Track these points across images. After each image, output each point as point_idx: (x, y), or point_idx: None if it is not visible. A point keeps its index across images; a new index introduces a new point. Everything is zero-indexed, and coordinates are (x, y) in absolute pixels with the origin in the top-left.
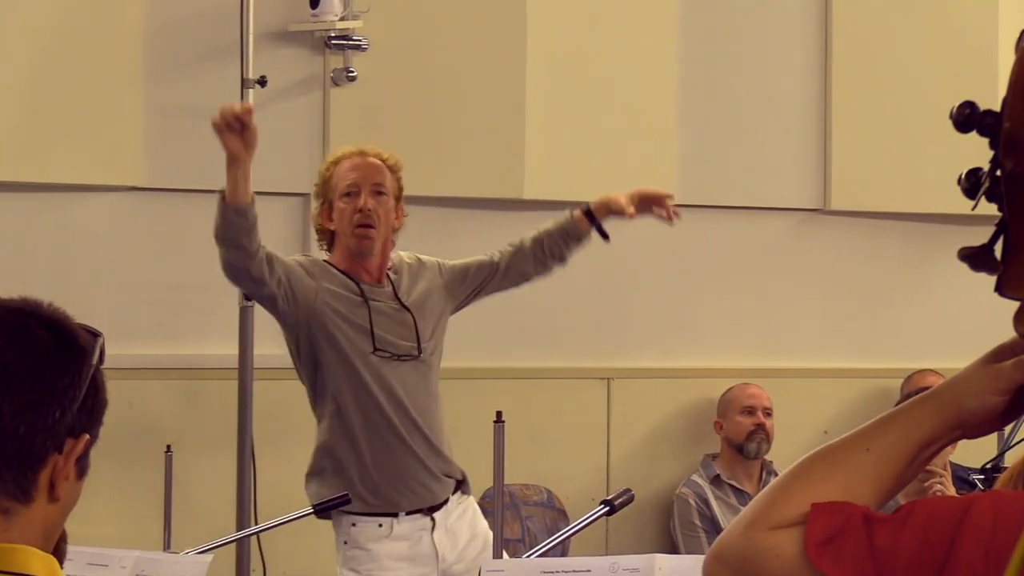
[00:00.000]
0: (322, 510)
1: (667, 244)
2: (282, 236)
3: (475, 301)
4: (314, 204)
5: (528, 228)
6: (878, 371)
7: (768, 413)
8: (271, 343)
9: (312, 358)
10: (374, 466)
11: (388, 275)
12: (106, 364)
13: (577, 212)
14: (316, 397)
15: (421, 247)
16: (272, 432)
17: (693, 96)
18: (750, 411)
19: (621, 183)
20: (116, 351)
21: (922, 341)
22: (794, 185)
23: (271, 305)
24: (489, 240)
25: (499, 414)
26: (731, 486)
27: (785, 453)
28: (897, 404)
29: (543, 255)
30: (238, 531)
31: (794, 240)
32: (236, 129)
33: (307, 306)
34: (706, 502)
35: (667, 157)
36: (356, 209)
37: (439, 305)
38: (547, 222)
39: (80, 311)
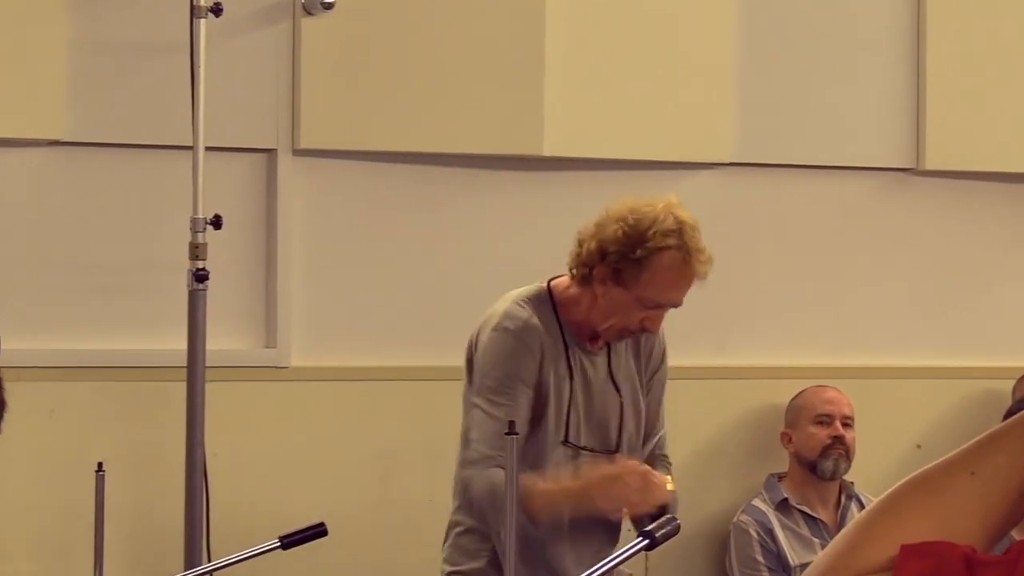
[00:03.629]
0: (291, 543)
1: (720, 213)
2: (242, 201)
3: None
4: (592, 243)
5: (549, 191)
6: (984, 370)
7: (848, 423)
8: (228, 336)
9: None
10: None
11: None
12: (22, 363)
13: None
14: None
15: (418, 213)
16: (229, 445)
17: (755, 32)
18: (826, 420)
19: (662, 136)
20: (32, 345)
21: None
22: (879, 140)
23: None
24: (503, 206)
25: (511, 424)
26: (802, 513)
27: (868, 472)
28: (1008, 412)
29: None
30: (187, 570)
31: (879, 207)
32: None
33: None
34: (770, 533)
35: (721, 106)
36: (642, 328)
37: None
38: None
39: None
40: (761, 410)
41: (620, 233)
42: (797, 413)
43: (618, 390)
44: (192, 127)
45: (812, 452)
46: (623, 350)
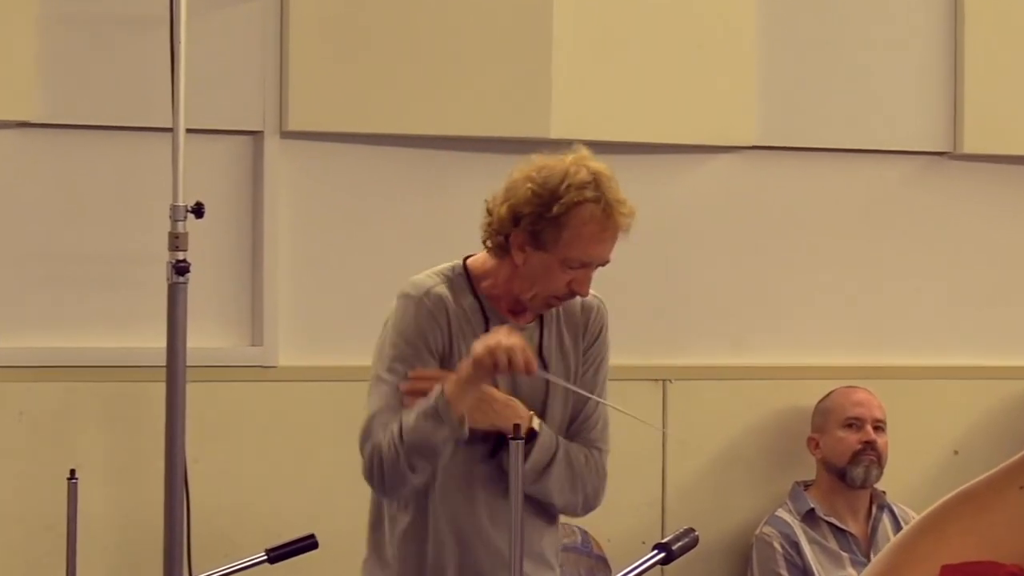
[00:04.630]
0: (279, 557)
1: (742, 199)
2: (226, 187)
3: None
4: (503, 209)
5: None
6: None
7: (879, 427)
8: (210, 333)
9: None
10: None
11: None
12: None
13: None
14: None
15: (416, 201)
16: (211, 451)
17: (780, 5)
18: (856, 424)
19: (678, 118)
20: (1, 343)
21: None
22: (913, 121)
23: None
24: None
25: (516, 428)
26: (830, 524)
27: (902, 480)
28: None
29: None
30: None
31: (913, 193)
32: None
33: None
34: (796, 546)
35: (743, 85)
36: (570, 291)
37: None
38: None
39: None
40: (785, 413)
41: (531, 193)
42: (825, 416)
43: (546, 368)
44: (172, 108)
45: (841, 458)
46: (554, 324)
